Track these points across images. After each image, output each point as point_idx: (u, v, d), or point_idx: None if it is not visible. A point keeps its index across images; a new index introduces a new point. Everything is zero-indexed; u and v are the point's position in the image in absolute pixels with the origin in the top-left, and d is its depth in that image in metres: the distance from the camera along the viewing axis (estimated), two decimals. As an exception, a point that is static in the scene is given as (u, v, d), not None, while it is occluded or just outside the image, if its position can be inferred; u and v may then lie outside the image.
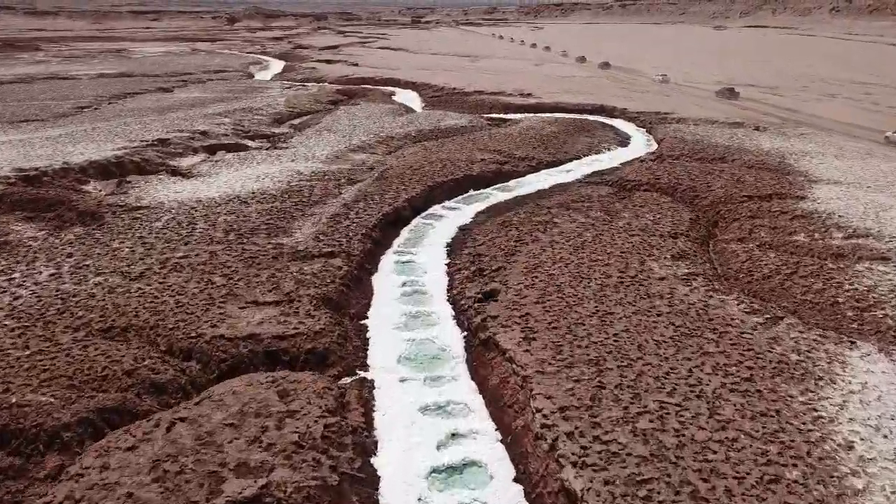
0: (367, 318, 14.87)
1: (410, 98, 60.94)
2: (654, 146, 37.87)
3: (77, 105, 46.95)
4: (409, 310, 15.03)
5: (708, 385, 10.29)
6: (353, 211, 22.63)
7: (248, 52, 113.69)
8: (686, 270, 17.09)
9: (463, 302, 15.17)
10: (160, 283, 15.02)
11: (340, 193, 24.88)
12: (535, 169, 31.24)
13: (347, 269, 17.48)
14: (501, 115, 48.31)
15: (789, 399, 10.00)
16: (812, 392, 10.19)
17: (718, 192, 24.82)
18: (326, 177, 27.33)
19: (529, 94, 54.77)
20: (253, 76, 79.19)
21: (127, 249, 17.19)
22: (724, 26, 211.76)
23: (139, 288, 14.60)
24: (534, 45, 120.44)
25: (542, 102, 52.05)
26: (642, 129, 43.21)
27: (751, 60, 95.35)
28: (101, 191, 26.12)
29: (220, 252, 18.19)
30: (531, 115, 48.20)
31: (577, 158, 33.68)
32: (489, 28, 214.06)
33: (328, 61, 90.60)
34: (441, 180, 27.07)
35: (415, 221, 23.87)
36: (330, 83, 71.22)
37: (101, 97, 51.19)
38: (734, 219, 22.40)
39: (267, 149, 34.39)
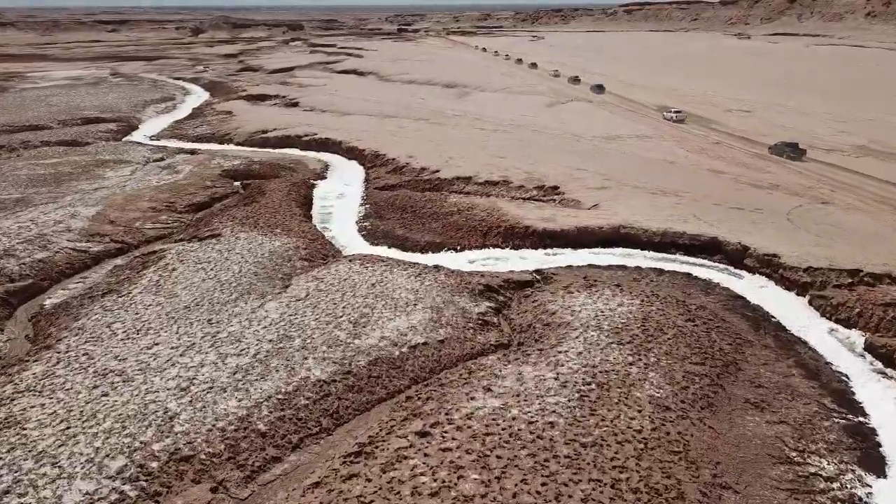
0: None
1: (348, 184, 37.17)
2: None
3: None
4: None
5: None
6: None
7: (176, 78, 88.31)
8: None
9: None
10: None
11: None
12: None
13: None
14: (507, 263, 23.39)
15: None
16: None
17: None
18: None
19: (557, 192, 29.00)
20: (136, 128, 53.33)
21: None
22: (745, 34, 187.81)
23: None
24: (539, 69, 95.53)
25: (587, 226, 25.16)
26: (849, 339, 18.11)
27: (818, 90, 67.91)
28: None
29: None
30: (570, 263, 23.08)
31: None
32: (483, 38, 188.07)
33: (259, 98, 64.74)
34: None
35: None
36: (235, 145, 46.99)
37: None
38: None
39: None
